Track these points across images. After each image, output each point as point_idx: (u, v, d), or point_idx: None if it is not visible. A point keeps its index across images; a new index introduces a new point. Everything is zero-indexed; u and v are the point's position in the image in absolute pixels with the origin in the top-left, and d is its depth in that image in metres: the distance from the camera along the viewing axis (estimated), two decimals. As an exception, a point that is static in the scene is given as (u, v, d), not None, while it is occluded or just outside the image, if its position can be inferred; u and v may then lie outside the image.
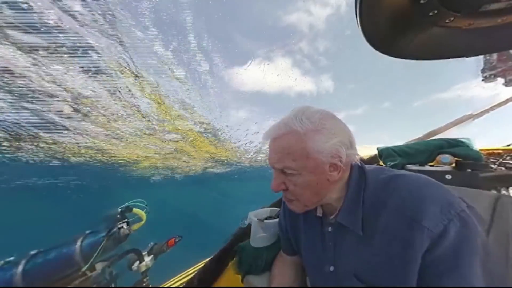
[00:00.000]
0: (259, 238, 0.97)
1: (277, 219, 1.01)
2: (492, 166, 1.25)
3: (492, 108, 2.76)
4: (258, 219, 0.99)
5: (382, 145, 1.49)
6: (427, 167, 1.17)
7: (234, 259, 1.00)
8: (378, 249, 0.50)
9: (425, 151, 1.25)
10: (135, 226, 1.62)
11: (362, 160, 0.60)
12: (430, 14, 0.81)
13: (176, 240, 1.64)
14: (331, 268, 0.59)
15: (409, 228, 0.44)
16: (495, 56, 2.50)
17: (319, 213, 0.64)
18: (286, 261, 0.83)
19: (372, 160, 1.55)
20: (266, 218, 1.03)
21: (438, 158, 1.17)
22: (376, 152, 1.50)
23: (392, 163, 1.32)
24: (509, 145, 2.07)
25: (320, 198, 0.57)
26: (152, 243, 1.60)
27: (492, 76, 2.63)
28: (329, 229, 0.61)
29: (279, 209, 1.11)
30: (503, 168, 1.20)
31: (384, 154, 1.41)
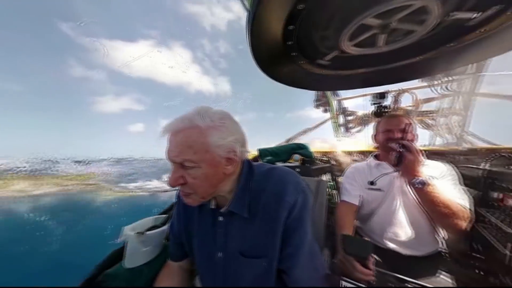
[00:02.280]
0: (138, 255, 0.81)
1: (163, 227, 0.92)
2: (318, 161, 2.01)
3: (318, 125, 4.43)
4: (137, 233, 0.83)
5: (264, 146, 1.90)
6: (287, 163, 1.65)
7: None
8: (259, 226, 0.61)
9: (286, 152, 1.77)
10: None
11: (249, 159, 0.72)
12: (292, 54, 1.14)
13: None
14: (220, 254, 0.65)
15: (277, 204, 0.62)
16: (320, 92, 4.01)
17: (213, 205, 0.70)
18: (173, 269, 0.80)
19: (254, 159, 1.88)
20: (148, 229, 0.89)
21: (293, 157, 1.70)
22: (256, 152, 1.88)
23: (267, 160, 1.72)
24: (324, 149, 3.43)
25: (215, 190, 0.63)
26: None
27: (318, 106, 4.22)
28: (221, 218, 0.68)
29: (165, 215, 1.01)
30: (322, 163, 1.97)
31: (262, 153, 1.80)
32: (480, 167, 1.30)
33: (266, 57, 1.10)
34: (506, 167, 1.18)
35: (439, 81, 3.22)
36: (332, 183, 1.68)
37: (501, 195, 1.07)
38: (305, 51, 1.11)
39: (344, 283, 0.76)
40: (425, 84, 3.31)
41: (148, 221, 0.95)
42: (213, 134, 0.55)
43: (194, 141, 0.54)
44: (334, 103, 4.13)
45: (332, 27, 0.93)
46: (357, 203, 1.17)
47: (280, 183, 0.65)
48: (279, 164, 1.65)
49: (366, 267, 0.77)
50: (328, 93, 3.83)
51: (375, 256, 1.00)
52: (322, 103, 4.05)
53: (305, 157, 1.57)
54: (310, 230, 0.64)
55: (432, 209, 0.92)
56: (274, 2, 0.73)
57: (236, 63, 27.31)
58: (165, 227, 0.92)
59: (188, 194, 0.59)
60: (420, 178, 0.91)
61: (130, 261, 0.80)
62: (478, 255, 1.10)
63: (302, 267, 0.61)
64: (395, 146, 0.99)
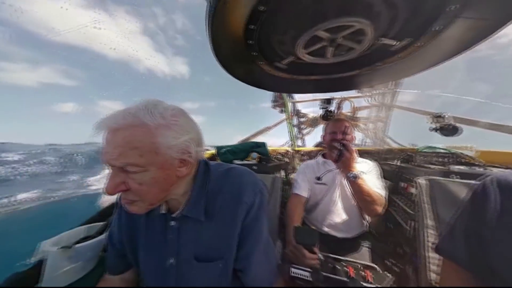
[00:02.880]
0: (62, 275, 0.66)
1: (99, 237, 0.78)
2: (274, 159, 2.13)
3: (277, 125, 4.67)
4: (61, 247, 0.67)
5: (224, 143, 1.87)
6: (245, 161, 1.68)
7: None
8: (215, 228, 0.59)
9: (244, 150, 1.80)
10: None
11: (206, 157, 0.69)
12: (253, 53, 1.16)
13: None
14: (172, 261, 0.60)
15: (235, 205, 0.61)
16: (277, 94, 4.24)
17: (163, 209, 0.63)
18: (113, 283, 0.69)
19: (212, 157, 1.83)
20: (79, 241, 0.74)
21: (251, 155, 1.74)
22: (214, 151, 1.83)
23: (225, 159, 1.70)
24: (282, 146, 3.66)
25: (166, 194, 0.57)
26: None
27: (275, 106, 4.45)
28: (173, 223, 0.62)
29: (102, 223, 0.86)
30: (277, 160, 2.10)
31: (220, 152, 1.77)
32: (394, 163, 1.65)
33: (226, 53, 1.08)
34: (410, 163, 1.55)
35: (370, 93, 3.92)
36: (285, 179, 1.81)
37: (406, 185, 1.39)
38: (264, 52, 1.14)
39: (293, 270, 0.84)
40: (360, 94, 3.98)
41: (78, 231, 0.79)
42: (164, 134, 0.48)
43: (141, 141, 0.46)
44: (290, 105, 4.44)
45: (289, 33, 0.99)
46: (306, 195, 1.31)
47: (238, 183, 0.64)
48: (237, 162, 1.66)
49: (313, 253, 0.87)
50: (284, 95, 4.09)
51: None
52: (279, 104, 4.30)
53: (262, 155, 1.63)
54: (266, 228, 0.66)
55: (360, 198, 1.12)
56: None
57: (197, 42, 22.51)
58: (101, 237, 0.78)
59: (131, 201, 0.51)
60: (354, 172, 1.09)
61: (50, 282, 0.65)
62: (389, 231, 1.41)
63: (257, 264, 0.63)
64: (337, 145, 1.15)
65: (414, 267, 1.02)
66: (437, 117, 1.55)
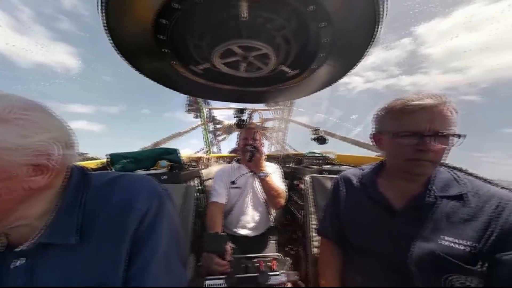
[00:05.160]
0: None
1: None
2: (187, 167, 1.98)
3: (191, 130, 4.41)
4: None
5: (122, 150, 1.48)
6: (151, 171, 1.43)
7: None
8: (95, 249, 0.47)
9: (151, 157, 1.54)
10: None
11: (92, 168, 0.52)
12: (164, 50, 1.05)
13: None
14: None
15: (125, 215, 0.50)
16: (193, 98, 4.06)
17: (1, 245, 0.43)
18: None
19: (102, 167, 1.41)
20: None
21: (159, 163, 1.51)
22: (106, 159, 1.43)
23: (123, 169, 1.37)
24: (197, 152, 3.48)
25: (7, 218, 0.40)
26: None
27: (190, 111, 4.23)
28: (19, 262, 0.43)
29: None
30: (190, 168, 1.97)
31: (115, 160, 1.40)
32: (290, 165, 2.06)
33: (129, 43, 0.90)
34: (300, 165, 1.99)
35: (274, 107, 4.70)
36: (200, 187, 1.73)
37: (298, 182, 1.76)
38: (178, 52, 1.07)
39: (207, 282, 0.81)
40: (267, 108, 4.67)
41: None
42: (5, 130, 0.37)
43: None
44: (205, 111, 4.38)
45: (206, 40, 0.99)
46: (224, 202, 1.33)
47: (129, 191, 0.54)
48: (141, 172, 1.39)
49: (224, 259, 0.89)
50: (200, 100, 3.99)
51: (232, 245, 1.18)
52: (194, 108, 4.12)
53: (174, 163, 1.48)
54: (168, 238, 0.56)
55: (269, 193, 1.32)
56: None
57: (97, 32, 11.19)
58: None
59: None
60: (264, 171, 1.30)
61: None
62: (288, 222, 1.72)
63: (156, 279, 0.52)
64: (249, 148, 1.32)
65: (304, 247, 1.30)
66: (315, 130, 2.11)
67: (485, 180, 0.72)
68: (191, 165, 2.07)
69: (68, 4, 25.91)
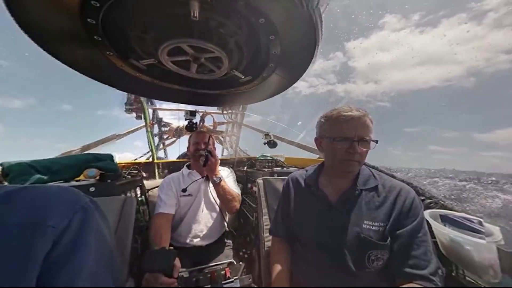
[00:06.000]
0: None
1: None
2: (126, 175, 1.70)
3: (131, 132, 3.82)
4: None
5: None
6: (73, 182, 1.14)
7: None
8: None
9: (74, 166, 1.22)
10: None
11: None
12: (95, 37, 0.88)
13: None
14: None
15: (32, 236, 0.39)
16: (133, 96, 3.55)
17: None
18: None
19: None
20: None
21: (85, 172, 1.22)
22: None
23: (27, 182, 1.04)
24: (136, 159, 3.03)
25: None
26: None
27: (130, 110, 3.68)
28: None
29: None
30: (130, 176, 1.70)
31: (14, 172, 1.04)
32: (243, 169, 2.09)
33: (41, 22, 0.72)
34: (253, 168, 2.05)
35: (227, 111, 4.68)
36: (142, 199, 1.52)
37: (251, 185, 1.80)
38: (115, 42, 0.92)
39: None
40: (220, 111, 4.60)
41: None
42: None
43: None
44: (149, 111, 3.91)
45: (151, 34, 0.90)
46: (173, 212, 1.21)
47: (38, 206, 0.43)
48: (58, 184, 1.09)
49: (171, 276, 0.80)
50: (143, 99, 3.53)
51: (179, 259, 1.09)
52: (135, 108, 3.60)
53: (107, 171, 1.23)
54: (93, 259, 0.46)
55: (223, 198, 1.27)
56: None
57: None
58: None
59: None
60: (218, 176, 1.24)
61: None
62: (242, 226, 1.73)
63: None
64: (203, 152, 1.26)
65: (257, 248, 1.33)
66: (266, 135, 2.23)
67: (388, 174, 0.94)
68: (131, 173, 1.79)
69: None
